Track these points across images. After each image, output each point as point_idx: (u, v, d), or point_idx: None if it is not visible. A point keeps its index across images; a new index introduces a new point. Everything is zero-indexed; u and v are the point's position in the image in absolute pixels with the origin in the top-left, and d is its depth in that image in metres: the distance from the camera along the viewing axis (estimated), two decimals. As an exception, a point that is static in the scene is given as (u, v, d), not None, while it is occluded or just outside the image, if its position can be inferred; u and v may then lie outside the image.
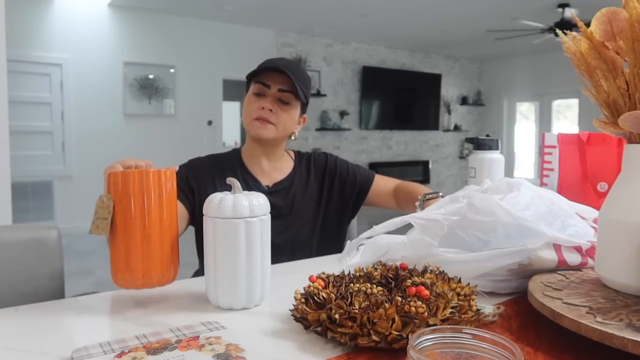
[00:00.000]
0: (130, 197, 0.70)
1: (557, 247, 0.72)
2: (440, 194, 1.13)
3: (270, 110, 1.16)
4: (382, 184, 1.33)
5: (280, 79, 1.16)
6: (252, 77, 1.19)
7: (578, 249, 0.73)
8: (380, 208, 1.35)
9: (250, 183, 1.22)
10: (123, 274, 0.71)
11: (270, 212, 1.18)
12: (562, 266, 0.72)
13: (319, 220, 1.27)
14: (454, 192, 0.87)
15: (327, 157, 1.34)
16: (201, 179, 1.20)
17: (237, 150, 1.29)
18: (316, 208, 1.27)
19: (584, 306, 0.58)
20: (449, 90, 9.16)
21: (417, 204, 1.11)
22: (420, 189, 1.24)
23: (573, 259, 0.72)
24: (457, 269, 0.71)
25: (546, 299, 0.61)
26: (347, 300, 0.58)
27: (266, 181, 1.24)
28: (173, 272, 0.74)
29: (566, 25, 5.51)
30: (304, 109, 1.26)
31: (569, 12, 5.45)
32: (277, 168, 1.26)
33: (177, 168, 0.83)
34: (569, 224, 0.77)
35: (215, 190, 0.76)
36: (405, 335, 0.53)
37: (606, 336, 0.50)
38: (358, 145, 7.98)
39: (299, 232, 1.22)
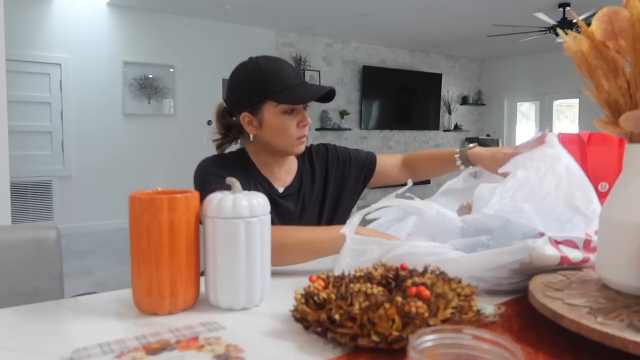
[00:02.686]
0: (159, 224, 0.67)
1: (554, 244, 0.72)
2: (476, 144, 1.18)
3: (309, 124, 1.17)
4: (387, 160, 1.35)
5: None
6: (270, 95, 1.12)
7: (573, 245, 0.73)
8: (386, 186, 1.36)
9: (267, 187, 1.19)
10: (149, 299, 0.69)
11: (284, 216, 1.17)
12: (564, 263, 0.71)
13: (328, 213, 1.27)
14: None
15: (328, 148, 1.33)
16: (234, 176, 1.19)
17: (244, 152, 1.24)
18: (320, 204, 1.27)
19: (585, 306, 0.57)
20: (449, 90, 9.16)
21: (457, 164, 1.20)
22: (437, 150, 1.28)
23: (574, 255, 0.72)
24: (459, 268, 0.70)
25: (547, 299, 0.60)
26: (347, 300, 0.58)
27: (279, 185, 1.22)
28: (196, 292, 0.73)
29: (567, 24, 5.51)
30: None
31: (541, 16, 5.42)
32: (286, 170, 1.25)
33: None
34: (567, 218, 0.77)
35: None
36: (405, 336, 0.53)
37: (607, 337, 0.50)
38: (358, 145, 7.98)
39: None
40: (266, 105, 1.13)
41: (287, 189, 1.22)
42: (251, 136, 1.18)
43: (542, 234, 0.72)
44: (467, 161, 1.21)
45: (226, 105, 1.22)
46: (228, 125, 1.24)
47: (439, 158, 1.29)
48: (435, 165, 1.30)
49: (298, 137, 1.15)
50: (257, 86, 1.12)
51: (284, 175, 1.24)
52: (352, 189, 1.31)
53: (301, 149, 1.18)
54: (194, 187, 1.15)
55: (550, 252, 0.70)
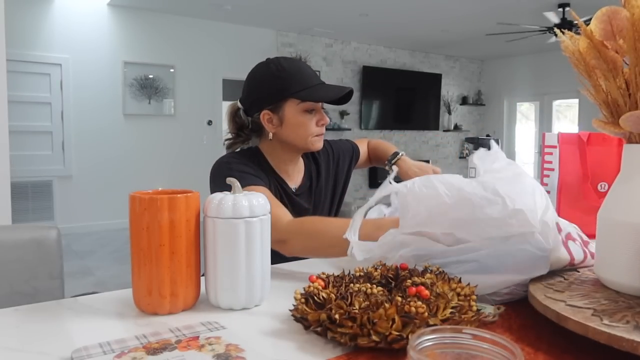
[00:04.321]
0: (159, 224, 0.67)
1: (564, 243, 0.71)
2: (402, 153, 1.33)
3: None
4: (362, 148, 1.47)
5: None
6: (291, 94, 1.15)
7: (572, 238, 0.72)
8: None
9: (284, 186, 1.22)
10: (149, 299, 0.69)
11: (299, 214, 1.20)
12: (571, 264, 0.71)
13: (334, 206, 1.35)
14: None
15: (324, 145, 1.36)
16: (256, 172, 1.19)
17: (258, 151, 1.24)
18: (331, 198, 1.34)
19: (589, 308, 0.57)
20: (449, 90, 9.15)
21: (386, 168, 1.32)
22: (385, 146, 1.43)
23: (577, 253, 0.71)
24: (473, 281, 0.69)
25: (549, 300, 0.60)
26: (347, 300, 0.58)
27: (292, 183, 1.25)
28: (196, 292, 0.73)
29: (567, 25, 5.50)
30: None
31: (553, 15, 5.43)
32: (297, 169, 1.28)
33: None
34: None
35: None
36: (405, 336, 0.53)
37: (615, 339, 0.49)
38: (358, 145, 7.99)
39: None
40: (288, 103, 1.15)
41: (300, 187, 1.26)
42: (270, 134, 1.19)
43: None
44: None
45: (242, 105, 1.22)
46: (240, 125, 1.25)
47: (379, 159, 1.44)
48: (378, 163, 1.46)
49: (317, 134, 1.19)
50: (280, 84, 1.14)
51: (296, 174, 1.27)
52: (345, 180, 1.40)
53: (320, 145, 1.21)
54: (212, 185, 1.13)
55: (564, 256, 0.69)
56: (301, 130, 1.17)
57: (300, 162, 1.29)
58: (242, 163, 1.15)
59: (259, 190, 0.75)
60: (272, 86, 1.15)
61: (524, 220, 0.67)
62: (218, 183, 1.11)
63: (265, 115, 1.17)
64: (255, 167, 1.16)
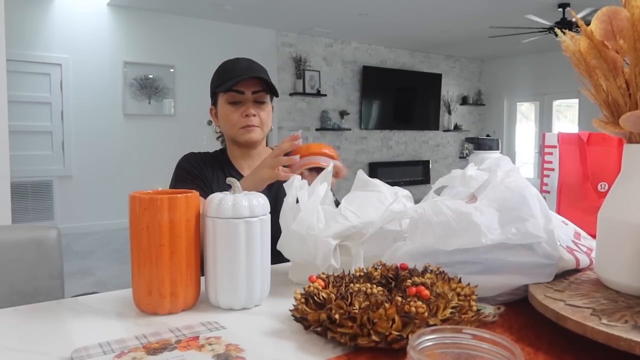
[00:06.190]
0: (159, 224, 0.67)
1: (570, 250, 0.71)
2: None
3: (254, 115, 1.22)
4: None
5: (251, 82, 1.21)
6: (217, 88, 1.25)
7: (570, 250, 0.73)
8: None
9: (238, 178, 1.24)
10: (149, 299, 0.69)
11: None
12: (577, 267, 0.71)
13: None
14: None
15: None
16: (207, 172, 1.26)
17: (223, 151, 1.34)
18: None
19: (588, 307, 0.57)
20: (449, 90, 9.15)
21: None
22: None
23: (583, 259, 0.72)
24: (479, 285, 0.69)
25: (548, 300, 0.60)
26: (347, 300, 0.58)
27: None
28: (196, 292, 0.73)
29: (567, 24, 5.50)
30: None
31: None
32: (254, 165, 1.27)
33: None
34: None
35: (218, 187, 0.77)
36: (405, 336, 0.53)
37: (613, 338, 0.49)
38: (358, 145, 7.98)
39: None
40: (219, 97, 1.26)
41: None
42: (216, 128, 1.33)
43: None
44: None
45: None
46: None
47: None
48: None
49: (242, 126, 1.22)
50: (214, 81, 1.28)
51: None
52: None
53: (246, 137, 1.23)
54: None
55: (570, 262, 0.69)
56: (226, 121, 1.25)
57: (259, 159, 1.26)
58: (192, 163, 1.24)
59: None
60: (211, 85, 1.29)
61: (529, 233, 0.67)
62: (173, 179, 1.24)
63: (212, 111, 1.33)
64: (205, 167, 1.24)
